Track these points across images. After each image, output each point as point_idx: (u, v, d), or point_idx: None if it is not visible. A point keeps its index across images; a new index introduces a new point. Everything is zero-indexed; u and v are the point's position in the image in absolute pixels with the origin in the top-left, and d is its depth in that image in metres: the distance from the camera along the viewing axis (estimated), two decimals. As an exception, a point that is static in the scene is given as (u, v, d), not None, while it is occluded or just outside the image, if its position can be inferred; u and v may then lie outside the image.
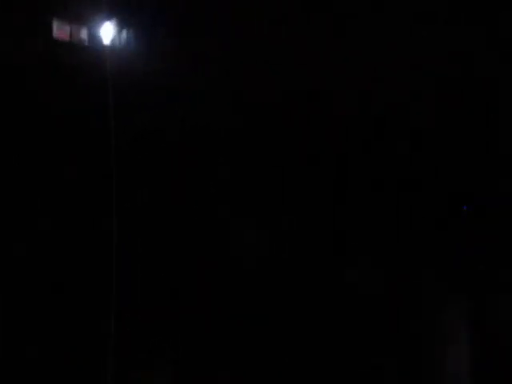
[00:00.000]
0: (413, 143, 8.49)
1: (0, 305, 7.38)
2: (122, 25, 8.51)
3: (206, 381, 7.96)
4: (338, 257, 8.16)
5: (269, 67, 8.18)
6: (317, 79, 8.22)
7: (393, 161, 8.53)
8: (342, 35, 8.09)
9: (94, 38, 8.33)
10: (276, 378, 8.04)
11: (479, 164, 8.37)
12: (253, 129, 8.29)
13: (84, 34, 8.50)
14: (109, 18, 8.33)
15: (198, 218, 8.13)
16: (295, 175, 8.40)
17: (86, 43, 8.52)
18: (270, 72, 8.19)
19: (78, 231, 7.73)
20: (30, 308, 7.48)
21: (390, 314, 8.24)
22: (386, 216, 8.41)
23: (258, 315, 8.10)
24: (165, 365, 7.94)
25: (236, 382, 8.01)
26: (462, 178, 8.44)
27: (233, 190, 8.22)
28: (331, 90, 8.26)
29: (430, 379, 8.30)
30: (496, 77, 8.10)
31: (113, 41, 8.48)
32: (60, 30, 8.39)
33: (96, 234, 7.76)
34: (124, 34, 8.59)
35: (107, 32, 8.25)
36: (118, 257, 7.63)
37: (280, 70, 8.18)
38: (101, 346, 7.51)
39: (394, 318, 8.18)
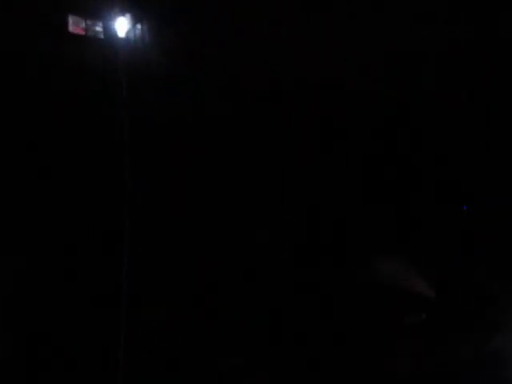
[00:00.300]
0: (413, 143, 8.50)
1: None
2: (135, 19, 8.61)
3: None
4: (339, 255, 8.21)
5: (276, 63, 8.30)
6: (318, 77, 8.29)
7: (392, 160, 8.56)
8: (341, 32, 8.14)
9: (109, 32, 8.43)
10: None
11: (479, 164, 8.37)
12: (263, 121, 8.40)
13: (99, 28, 8.59)
14: (123, 12, 8.43)
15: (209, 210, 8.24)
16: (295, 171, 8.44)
17: (101, 37, 8.60)
18: (279, 68, 8.30)
19: (90, 223, 7.87)
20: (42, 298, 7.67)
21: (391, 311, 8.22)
22: (385, 216, 8.43)
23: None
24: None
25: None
26: (462, 178, 8.44)
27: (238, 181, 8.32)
28: (331, 87, 8.33)
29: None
30: (497, 76, 8.10)
31: (127, 34, 8.55)
32: (76, 25, 8.52)
33: (108, 224, 7.90)
34: (138, 27, 8.69)
35: (121, 26, 8.39)
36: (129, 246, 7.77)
37: (287, 69, 8.28)
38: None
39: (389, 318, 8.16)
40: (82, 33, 8.55)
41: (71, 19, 8.52)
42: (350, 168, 8.47)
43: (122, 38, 8.40)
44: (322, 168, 8.44)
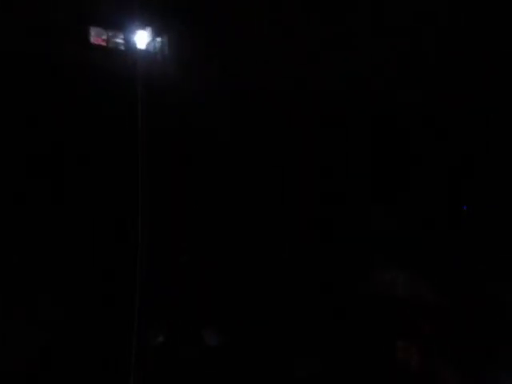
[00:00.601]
0: (413, 143, 8.47)
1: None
2: (155, 32, 8.76)
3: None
4: (337, 255, 8.19)
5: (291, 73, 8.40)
6: (320, 80, 8.33)
7: (392, 160, 8.53)
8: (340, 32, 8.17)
9: (130, 44, 8.61)
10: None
11: (479, 164, 8.32)
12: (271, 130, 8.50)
13: (120, 39, 8.77)
14: (143, 25, 8.61)
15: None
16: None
17: (122, 48, 8.77)
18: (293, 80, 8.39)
19: (103, 224, 8.02)
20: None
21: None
22: (385, 215, 8.41)
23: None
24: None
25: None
26: (462, 178, 8.39)
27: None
28: (332, 89, 8.37)
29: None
30: (497, 78, 8.05)
31: (147, 46, 8.70)
32: (97, 36, 8.72)
33: (121, 227, 8.04)
34: (157, 40, 8.85)
35: (142, 38, 8.57)
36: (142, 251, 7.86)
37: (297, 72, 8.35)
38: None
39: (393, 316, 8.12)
40: (104, 44, 8.75)
41: (93, 31, 8.72)
42: (349, 168, 8.50)
43: (141, 50, 8.56)
44: (322, 169, 8.50)
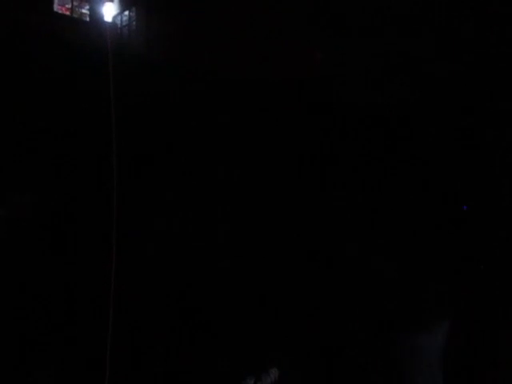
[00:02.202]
0: (413, 142, 8.50)
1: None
2: (124, 5, 8.53)
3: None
4: (337, 257, 8.17)
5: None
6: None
7: (392, 160, 8.55)
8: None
9: (95, 15, 8.39)
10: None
11: (479, 164, 8.37)
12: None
13: (85, 10, 8.53)
14: (111, -3, 8.41)
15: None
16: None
17: (87, 19, 8.53)
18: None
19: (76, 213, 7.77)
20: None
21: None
22: (385, 216, 8.41)
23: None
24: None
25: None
26: (462, 178, 8.44)
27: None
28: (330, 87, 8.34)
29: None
30: (497, 77, 8.10)
31: (113, 19, 8.48)
32: (61, 5, 8.43)
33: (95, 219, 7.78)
34: (125, 12, 8.61)
35: (108, 10, 8.37)
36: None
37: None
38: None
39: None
40: (68, 13, 8.48)
41: (57, -2, 8.45)
42: (347, 170, 8.49)
43: (107, 23, 8.32)
44: (320, 166, 8.44)
